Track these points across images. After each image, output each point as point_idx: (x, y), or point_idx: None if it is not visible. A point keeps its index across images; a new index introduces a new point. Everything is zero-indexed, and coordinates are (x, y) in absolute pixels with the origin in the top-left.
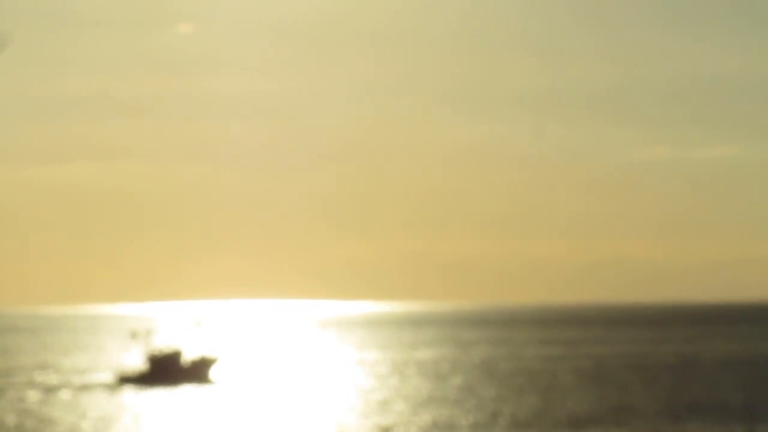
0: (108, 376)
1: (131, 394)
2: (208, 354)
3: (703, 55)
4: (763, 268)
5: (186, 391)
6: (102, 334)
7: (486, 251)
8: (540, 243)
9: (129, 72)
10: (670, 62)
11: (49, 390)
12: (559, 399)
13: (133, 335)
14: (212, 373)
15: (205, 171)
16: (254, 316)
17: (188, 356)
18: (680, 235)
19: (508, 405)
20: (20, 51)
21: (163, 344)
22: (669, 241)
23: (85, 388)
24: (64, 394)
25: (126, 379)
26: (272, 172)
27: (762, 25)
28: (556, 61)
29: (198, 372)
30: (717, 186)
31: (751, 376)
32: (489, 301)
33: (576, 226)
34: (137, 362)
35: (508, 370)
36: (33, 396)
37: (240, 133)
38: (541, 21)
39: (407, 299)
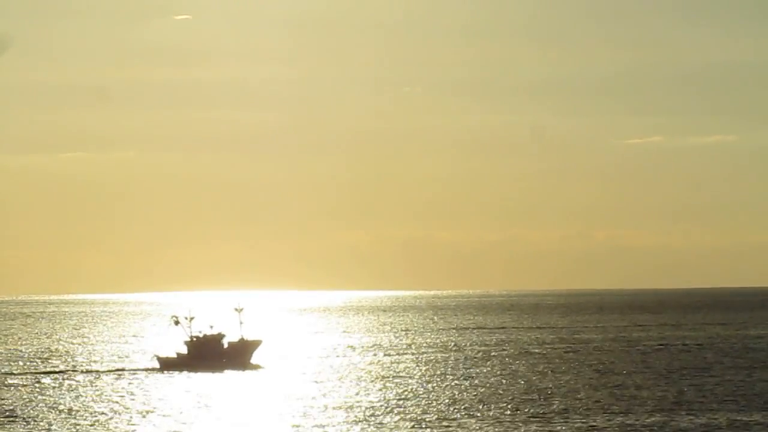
0: (150, 361)
1: (174, 377)
2: (250, 338)
3: (701, 45)
4: (760, 256)
5: (228, 374)
6: (130, 320)
7: (487, 239)
8: (539, 231)
9: (126, 62)
10: (669, 51)
11: (94, 375)
12: (554, 384)
13: (175, 321)
14: (254, 356)
15: (204, 159)
16: (260, 306)
17: (230, 340)
18: (678, 223)
19: (500, 390)
20: (18, 40)
21: (205, 328)
22: (666, 229)
23: (128, 372)
24: (109, 379)
25: (168, 363)
26: (275, 161)
27: (761, 15)
28: (558, 51)
29: (240, 355)
30: (714, 174)
31: (744, 361)
32: (490, 289)
33: (574, 213)
34: (179, 346)
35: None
36: (78, 380)
37: (243, 122)
38: (544, 12)
39: (407, 288)
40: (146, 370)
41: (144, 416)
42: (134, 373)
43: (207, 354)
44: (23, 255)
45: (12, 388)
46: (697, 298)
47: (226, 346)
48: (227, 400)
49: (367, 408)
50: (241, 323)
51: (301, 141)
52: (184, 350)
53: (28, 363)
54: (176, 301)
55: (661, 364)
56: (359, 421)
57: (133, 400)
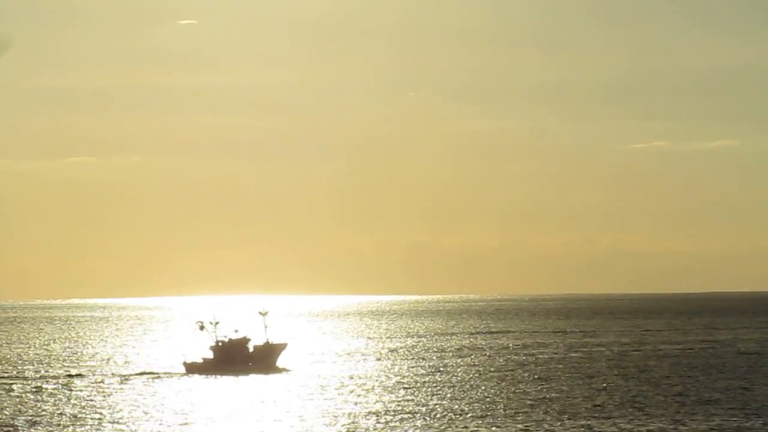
0: (177, 365)
1: (201, 381)
2: (275, 341)
3: (706, 49)
4: (765, 260)
5: (255, 378)
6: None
7: (491, 243)
8: (543, 235)
9: (130, 66)
10: (673, 56)
11: (122, 379)
12: (557, 389)
13: (200, 326)
14: (280, 360)
15: (208, 164)
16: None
17: (255, 344)
18: (682, 227)
19: (503, 394)
20: (22, 45)
21: (230, 333)
22: (670, 233)
23: (155, 377)
24: (137, 383)
25: (195, 368)
26: (280, 165)
27: (766, 20)
28: (562, 55)
29: (266, 359)
30: (718, 178)
31: (743, 366)
32: (494, 294)
33: (578, 218)
34: (205, 351)
35: (501, 363)
36: (107, 384)
37: (248, 126)
38: (549, 17)
39: (411, 292)
40: (173, 374)
41: (173, 420)
42: (161, 378)
43: (233, 358)
44: (28, 260)
45: (40, 391)
46: (702, 302)
47: (251, 350)
48: (255, 403)
49: (386, 413)
50: (265, 327)
51: (306, 146)
52: (210, 355)
53: (52, 366)
54: (181, 305)
55: (663, 369)
56: (381, 426)
57: (162, 404)
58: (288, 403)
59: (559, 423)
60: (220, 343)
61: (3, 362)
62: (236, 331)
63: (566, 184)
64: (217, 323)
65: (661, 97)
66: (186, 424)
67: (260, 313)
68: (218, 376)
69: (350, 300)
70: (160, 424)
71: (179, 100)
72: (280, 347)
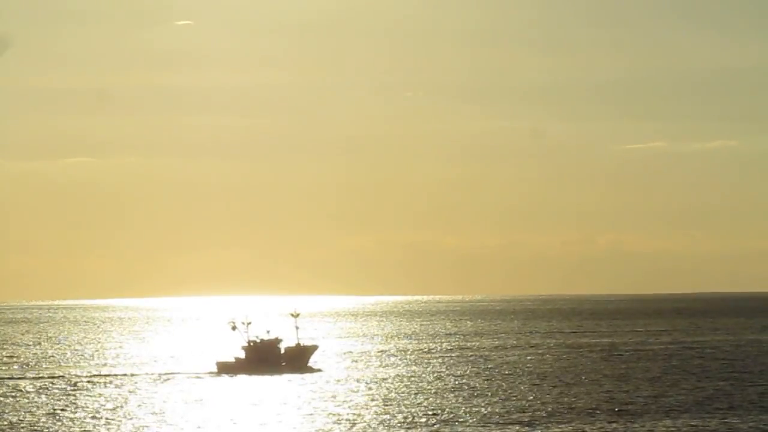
0: (209, 365)
1: (232, 381)
2: (306, 343)
3: (703, 50)
4: (761, 261)
5: (286, 378)
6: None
7: (489, 244)
8: (540, 235)
9: (127, 67)
10: (670, 57)
11: (154, 378)
12: (550, 390)
13: (232, 326)
14: (311, 361)
15: (205, 165)
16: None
17: (287, 345)
18: (679, 228)
19: (498, 397)
20: (20, 46)
21: (262, 333)
22: (668, 234)
23: (187, 376)
24: (170, 383)
25: (227, 368)
26: (277, 166)
27: (763, 20)
28: (559, 56)
29: (297, 360)
30: (716, 179)
31: (736, 367)
32: (492, 294)
33: (576, 218)
34: (237, 351)
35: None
36: (140, 384)
37: (245, 127)
38: (546, 17)
39: (410, 293)
40: (205, 374)
41: (208, 419)
42: (194, 377)
43: (265, 358)
44: (26, 261)
45: (72, 391)
46: (698, 303)
47: (283, 350)
48: (287, 404)
49: (417, 416)
50: (296, 328)
51: (303, 146)
52: (241, 355)
53: (81, 367)
54: (180, 306)
55: (657, 369)
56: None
57: (189, 404)
58: (320, 404)
59: (548, 427)
60: (251, 344)
61: (30, 363)
62: (268, 331)
63: (564, 185)
64: (249, 323)
65: (659, 97)
66: (220, 423)
67: (292, 314)
68: (250, 377)
69: (351, 301)
70: (195, 424)
71: (177, 100)
72: (312, 349)
